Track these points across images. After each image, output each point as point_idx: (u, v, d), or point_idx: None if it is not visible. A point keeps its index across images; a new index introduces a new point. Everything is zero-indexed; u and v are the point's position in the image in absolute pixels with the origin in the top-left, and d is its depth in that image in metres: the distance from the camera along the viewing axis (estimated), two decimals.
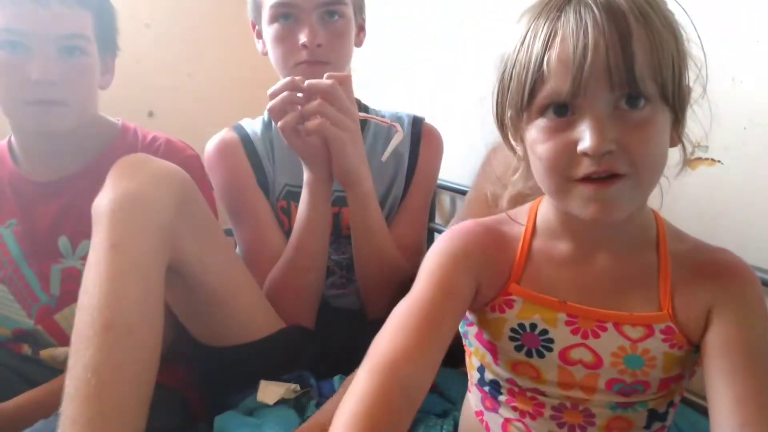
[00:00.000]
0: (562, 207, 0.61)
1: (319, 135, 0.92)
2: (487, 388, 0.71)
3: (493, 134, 0.68)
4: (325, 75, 0.92)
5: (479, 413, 0.73)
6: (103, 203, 0.79)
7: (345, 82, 0.94)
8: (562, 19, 0.55)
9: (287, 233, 1.11)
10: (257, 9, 1.10)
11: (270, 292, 1.06)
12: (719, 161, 0.88)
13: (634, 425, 0.65)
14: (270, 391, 0.97)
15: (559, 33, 0.55)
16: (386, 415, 0.56)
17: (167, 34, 1.86)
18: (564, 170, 0.57)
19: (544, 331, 0.64)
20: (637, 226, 0.64)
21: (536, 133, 0.58)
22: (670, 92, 0.55)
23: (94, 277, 0.76)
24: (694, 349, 0.63)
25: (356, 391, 0.58)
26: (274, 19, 1.06)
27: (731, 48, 0.86)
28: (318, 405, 0.95)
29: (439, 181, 1.28)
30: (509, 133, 0.64)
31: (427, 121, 1.24)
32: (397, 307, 0.64)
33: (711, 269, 0.63)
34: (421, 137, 1.20)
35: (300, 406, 0.95)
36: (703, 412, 0.99)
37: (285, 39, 1.06)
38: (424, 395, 0.61)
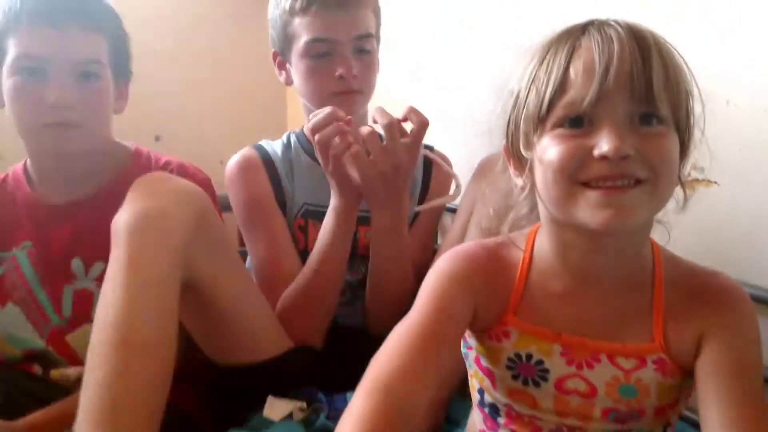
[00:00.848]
0: (567, 217, 0.59)
1: (355, 164, 0.95)
2: (487, 410, 0.72)
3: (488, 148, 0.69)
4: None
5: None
6: (122, 220, 0.80)
7: (422, 130, 0.97)
8: (586, 35, 0.58)
9: (302, 252, 1.13)
10: (286, 42, 1.13)
11: (283, 313, 1.07)
12: (716, 182, 0.91)
13: None
14: (277, 407, 0.97)
15: (583, 45, 0.57)
16: None
17: (174, 58, 1.89)
18: (573, 173, 0.57)
19: (540, 362, 0.65)
20: (637, 254, 0.65)
21: (549, 141, 0.58)
22: (680, 117, 0.57)
23: (110, 294, 0.77)
24: (689, 375, 0.63)
25: (354, 413, 0.58)
26: (308, 53, 1.09)
27: (725, 72, 0.89)
28: (329, 417, 0.95)
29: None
30: (519, 149, 0.64)
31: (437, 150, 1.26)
32: (397, 327, 0.65)
33: (703, 294, 0.63)
34: (432, 164, 1.24)
35: (309, 422, 0.96)
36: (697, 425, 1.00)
37: (321, 72, 1.09)
38: (422, 416, 0.61)
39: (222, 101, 1.97)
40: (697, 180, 0.90)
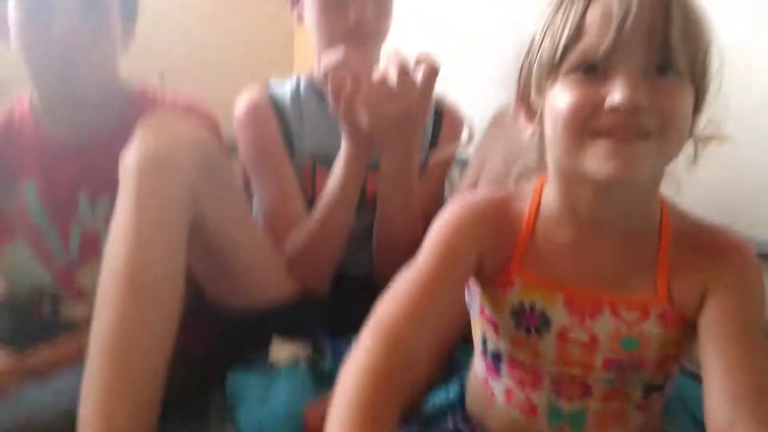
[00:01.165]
0: (574, 166, 0.59)
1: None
2: (489, 358, 0.73)
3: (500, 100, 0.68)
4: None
5: (485, 379, 0.76)
6: (129, 161, 0.80)
7: (433, 76, 0.93)
8: None
9: (309, 199, 1.12)
10: None
11: (290, 258, 1.07)
12: (728, 138, 0.88)
13: (632, 397, 0.68)
14: (282, 351, 0.99)
15: None
16: (392, 375, 0.59)
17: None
18: (584, 121, 0.56)
19: (543, 311, 0.66)
20: (643, 210, 0.65)
21: (561, 88, 0.58)
22: (697, 70, 0.56)
23: (118, 235, 0.78)
24: (691, 328, 0.64)
25: (359, 356, 0.60)
26: None
27: (746, 31, 0.87)
28: (333, 361, 0.97)
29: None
30: (530, 95, 0.63)
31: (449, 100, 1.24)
32: (402, 273, 0.67)
33: (710, 250, 0.64)
34: (442, 117, 1.22)
35: (314, 365, 0.97)
36: (698, 378, 1.02)
37: (334, 9, 1.07)
38: (423, 361, 0.64)
39: (228, 40, 1.94)
40: (710, 136, 0.89)
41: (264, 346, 1.00)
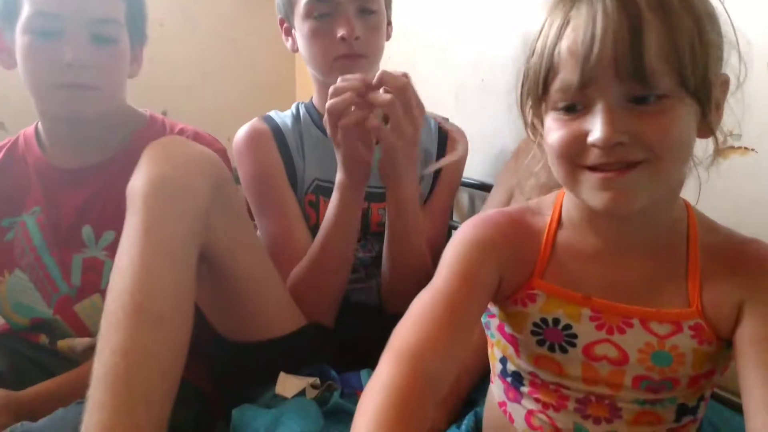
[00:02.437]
0: (575, 196, 0.60)
1: (377, 136, 0.90)
2: (509, 379, 0.70)
3: (516, 131, 0.67)
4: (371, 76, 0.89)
5: (502, 404, 0.72)
6: (137, 185, 0.77)
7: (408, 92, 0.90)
8: (575, 8, 0.55)
9: (313, 228, 1.10)
10: (289, 6, 1.11)
11: (293, 289, 1.05)
12: (753, 149, 0.87)
13: (664, 420, 0.64)
14: (289, 384, 0.95)
15: (571, 23, 0.55)
16: (416, 404, 0.55)
17: (181, 33, 1.86)
18: (573, 158, 0.57)
19: (568, 326, 0.63)
20: (667, 219, 0.63)
21: (549, 122, 0.59)
22: (691, 83, 0.53)
23: (126, 261, 0.75)
24: (726, 345, 0.61)
25: (382, 380, 0.56)
26: (310, 14, 1.06)
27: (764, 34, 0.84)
28: (342, 395, 0.94)
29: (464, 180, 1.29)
30: (530, 121, 0.64)
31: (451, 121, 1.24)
32: (419, 296, 0.63)
33: (742, 262, 0.61)
34: (447, 138, 1.21)
35: (322, 400, 0.94)
36: (735, 407, 0.99)
37: (322, 34, 1.06)
38: (447, 388, 0.60)
39: (230, 75, 1.95)
40: (732, 147, 0.87)
41: (270, 378, 0.96)
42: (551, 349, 0.64)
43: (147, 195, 0.76)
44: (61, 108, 0.94)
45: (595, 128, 0.54)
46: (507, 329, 0.68)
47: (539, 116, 0.61)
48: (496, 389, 0.74)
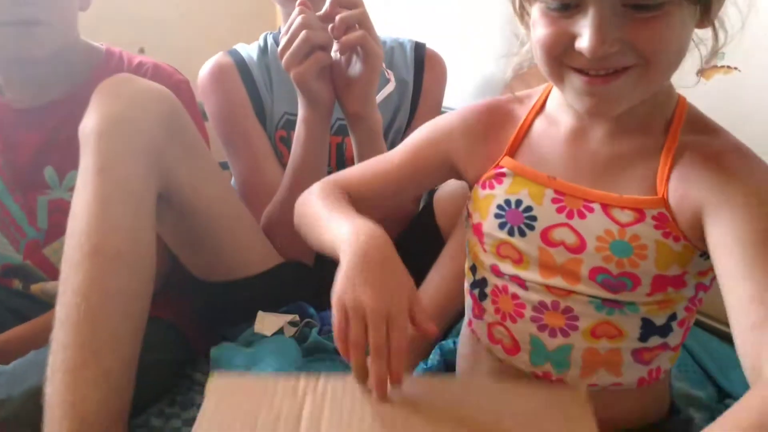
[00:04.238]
0: (560, 93, 0.60)
1: (362, 47, 0.88)
2: (476, 291, 0.69)
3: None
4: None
5: (470, 323, 0.72)
6: (88, 126, 0.76)
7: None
8: None
9: (286, 165, 1.07)
10: None
11: (267, 228, 1.03)
12: (737, 68, 0.83)
13: (625, 333, 0.61)
14: (268, 322, 0.95)
15: None
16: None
17: None
18: (559, 56, 0.55)
19: (529, 208, 0.62)
20: (649, 106, 0.59)
21: (537, 14, 0.55)
22: None
23: (81, 202, 0.74)
24: (699, 253, 0.58)
25: (312, 191, 0.72)
26: None
27: None
28: (321, 333, 0.93)
29: (442, 109, 1.23)
30: (518, 6, 0.60)
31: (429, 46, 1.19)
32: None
33: (714, 167, 0.56)
34: (424, 63, 1.16)
35: (301, 336, 0.93)
36: (712, 331, 0.97)
37: None
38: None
39: (208, 8, 1.87)
40: (715, 67, 0.82)
41: (249, 317, 0.95)
42: (511, 232, 0.62)
43: (99, 134, 0.75)
44: (10, 47, 0.89)
45: (584, 35, 0.51)
46: (476, 219, 0.66)
47: (525, 4, 0.58)
48: (467, 309, 0.74)
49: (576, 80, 0.54)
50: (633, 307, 0.60)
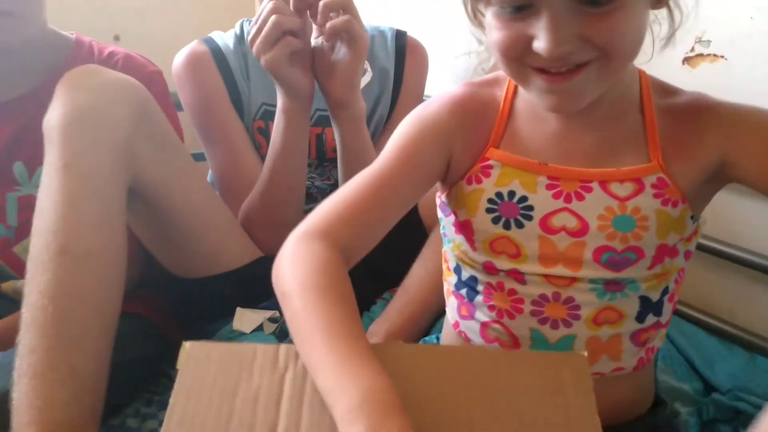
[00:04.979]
0: (525, 91, 0.58)
1: (348, 33, 0.87)
2: (464, 291, 0.67)
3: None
4: None
5: (456, 325, 0.69)
6: (53, 119, 0.73)
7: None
8: None
9: (264, 157, 1.04)
10: None
11: (245, 222, 1.01)
12: (723, 57, 0.81)
13: (625, 316, 0.61)
14: (247, 319, 0.93)
15: None
16: (340, 273, 0.54)
17: None
18: (518, 58, 0.54)
19: (523, 198, 0.59)
20: (620, 91, 0.59)
21: (491, 17, 0.54)
22: None
23: (47, 199, 0.71)
24: (690, 216, 0.58)
25: (300, 256, 0.54)
26: None
27: None
28: None
29: (424, 97, 1.22)
30: (470, 10, 0.58)
31: (410, 35, 1.17)
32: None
33: (712, 118, 0.57)
34: (405, 52, 1.14)
35: (282, 333, 0.91)
36: (697, 323, 0.97)
37: None
38: (359, 259, 0.59)
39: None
40: (701, 55, 0.81)
41: (228, 313, 0.93)
42: (507, 226, 0.60)
43: (63, 128, 0.72)
44: None
45: (540, 36, 0.50)
46: (460, 217, 0.63)
47: (478, 8, 0.57)
48: (449, 310, 0.71)
49: (537, 80, 0.53)
50: (634, 285, 0.59)
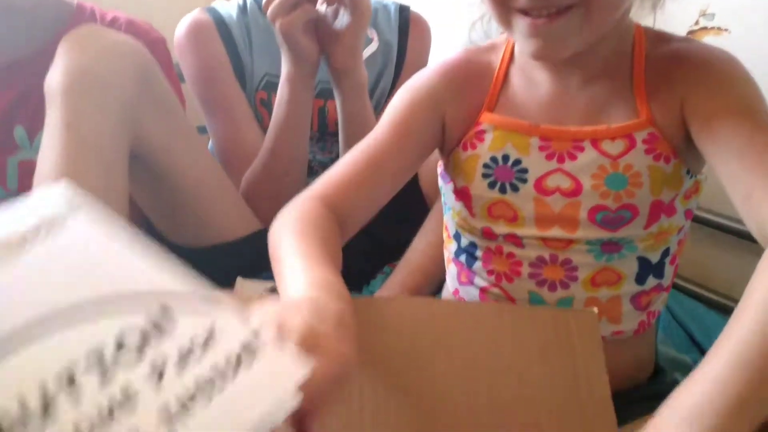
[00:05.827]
0: (511, 37, 0.58)
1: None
2: (463, 257, 0.67)
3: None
4: None
5: (456, 292, 0.70)
6: (54, 80, 0.72)
7: None
8: None
9: (266, 129, 1.04)
10: None
11: (246, 194, 1.00)
12: (726, 30, 0.81)
13: (624, 277, 0.61)
14: (247, 289, 0.93)
15: None
16: (331, 231, 0.55)
17: None
18: (504, 1, 0.54)
19: (517, 161, 0.60)
20: (612, 46, 0.59)
21: None
22: None
23: (48, 160, 0.71)
24: (685, 171, 0.58)
25: (294, 213, 0.56)
26: None
27: None
28: None
29: None
30: None
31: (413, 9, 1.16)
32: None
33: (682, 63, 0.57)
34: (408, 26, 1.14)
35: None
36: (697, 297, 0.97)
37: None
38: (356, 231, 0.61)
39: None
40: (705, 29, 0.81)
41: (227, 285, 0.93)
42: (503, 190, 0.61)
43: (65, 89, 0.72)
44: None
45: None
46: (458, 184, 0.64)
47: None
48: (449, 279, 0.72)
49: (521, 23, 0.53)
50: (631, 246, 0.59)
